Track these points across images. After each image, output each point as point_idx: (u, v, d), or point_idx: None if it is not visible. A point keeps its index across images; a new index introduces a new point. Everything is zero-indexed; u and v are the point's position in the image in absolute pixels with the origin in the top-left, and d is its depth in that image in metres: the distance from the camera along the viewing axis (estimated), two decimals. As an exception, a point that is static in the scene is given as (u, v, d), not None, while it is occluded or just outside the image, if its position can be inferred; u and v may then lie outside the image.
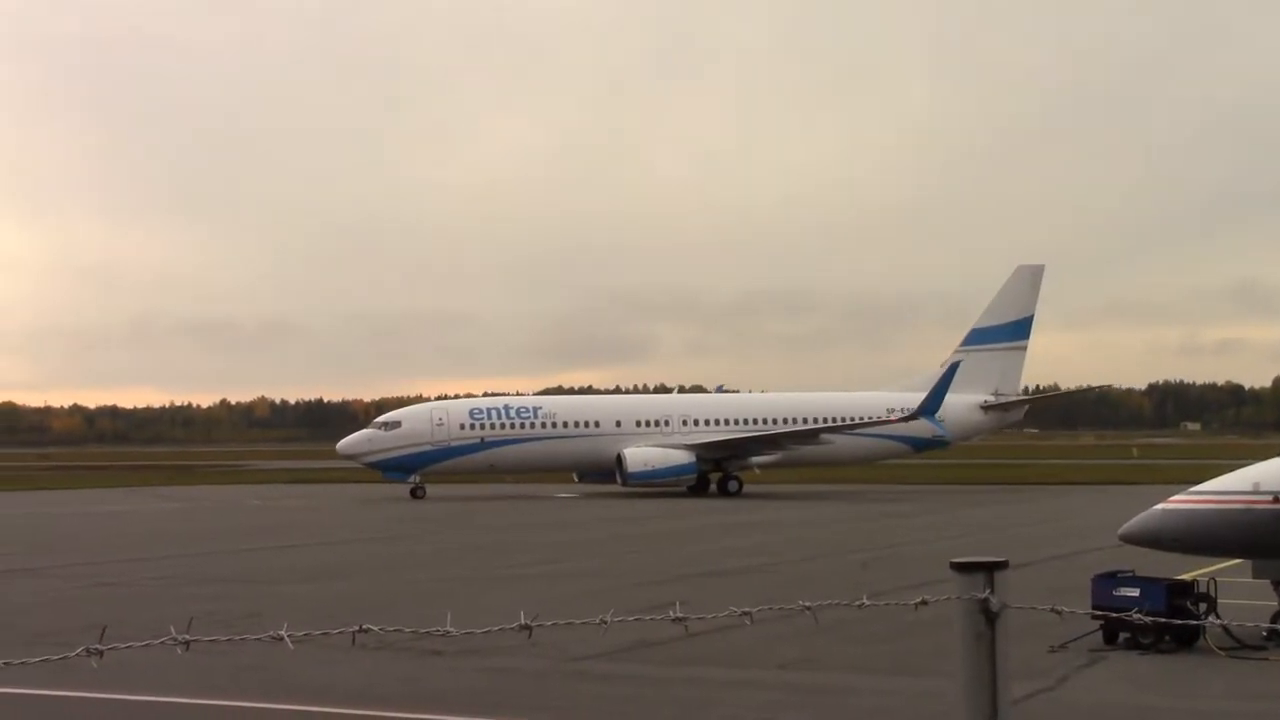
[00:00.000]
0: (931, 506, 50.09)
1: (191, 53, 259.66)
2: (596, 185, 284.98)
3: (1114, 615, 14.68)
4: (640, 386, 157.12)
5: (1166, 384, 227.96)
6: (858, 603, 6.13)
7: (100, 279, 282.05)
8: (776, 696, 15.06)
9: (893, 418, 63.46)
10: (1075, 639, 17.35)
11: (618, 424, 61.93)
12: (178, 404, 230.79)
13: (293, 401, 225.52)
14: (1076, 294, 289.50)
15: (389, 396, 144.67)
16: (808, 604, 5.55)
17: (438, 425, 59.54)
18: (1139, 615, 15.26)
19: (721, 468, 61.56)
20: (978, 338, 69.02)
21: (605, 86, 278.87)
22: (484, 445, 59.96)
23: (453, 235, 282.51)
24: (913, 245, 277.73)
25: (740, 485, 61.00)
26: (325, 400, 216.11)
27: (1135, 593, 17.71)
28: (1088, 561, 25.33)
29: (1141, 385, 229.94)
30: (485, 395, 77.23)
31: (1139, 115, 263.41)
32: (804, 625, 16.78)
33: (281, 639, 4.85)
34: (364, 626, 5.02)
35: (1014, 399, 69.41)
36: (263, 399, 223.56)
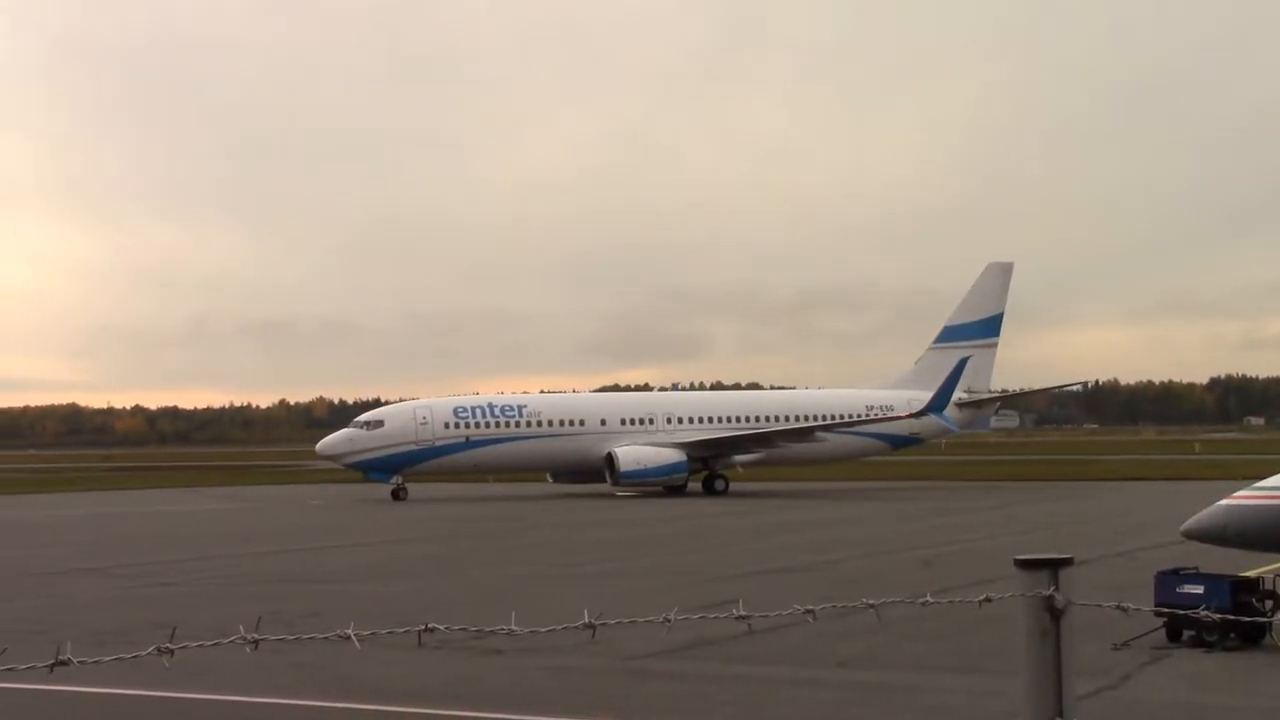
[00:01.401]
0: (989, 503, 49.73)
1: (247, 54, 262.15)
2: (653, 182, 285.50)
3: (1180, 612, 14.54)
4: (696, 384, 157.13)
5: (1229, 378, 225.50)
6: (921, 600, 6.11)
7: (161, 281, 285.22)
8: (838, 694, 15.02)
9: (902, 414, 63.76)
10: (1138, 636, 17.18)
11: (603, 422, 61.06)
12: (237, 404, 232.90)
13: (351, 401, 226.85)
14: (1136, 288, 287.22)
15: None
16: (871, 601, 5.54)
17: (421, 424, 58.28)
18: (1206, 613, 15.11)
19: (708, 466, 60.93)
20: (950, 335, 69.10)
21: (660, 84, 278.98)
22: (469, 445, 58.81)
23: (510, 233, 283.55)
24: (968, 241, 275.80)
25: (726, 484, 60.43)
26: (383, 400, 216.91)
27: (1199, 590, 17.52)
28: (1150, 558, 25.10)
29: (1203, 380, 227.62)
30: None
31: (1198, 108, 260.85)
32: (864, 623, 16.74)
33: (349, 638, 4.90)
34: (429, 626, 5.05)
35: (986, 396, 69.27)
36: (321, 399, 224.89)
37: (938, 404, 62.91)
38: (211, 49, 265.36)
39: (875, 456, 69.37)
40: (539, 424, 60.10)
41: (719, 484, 60.35)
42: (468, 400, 61.30)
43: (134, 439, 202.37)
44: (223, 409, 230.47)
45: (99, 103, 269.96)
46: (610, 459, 58.61)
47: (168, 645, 4.80)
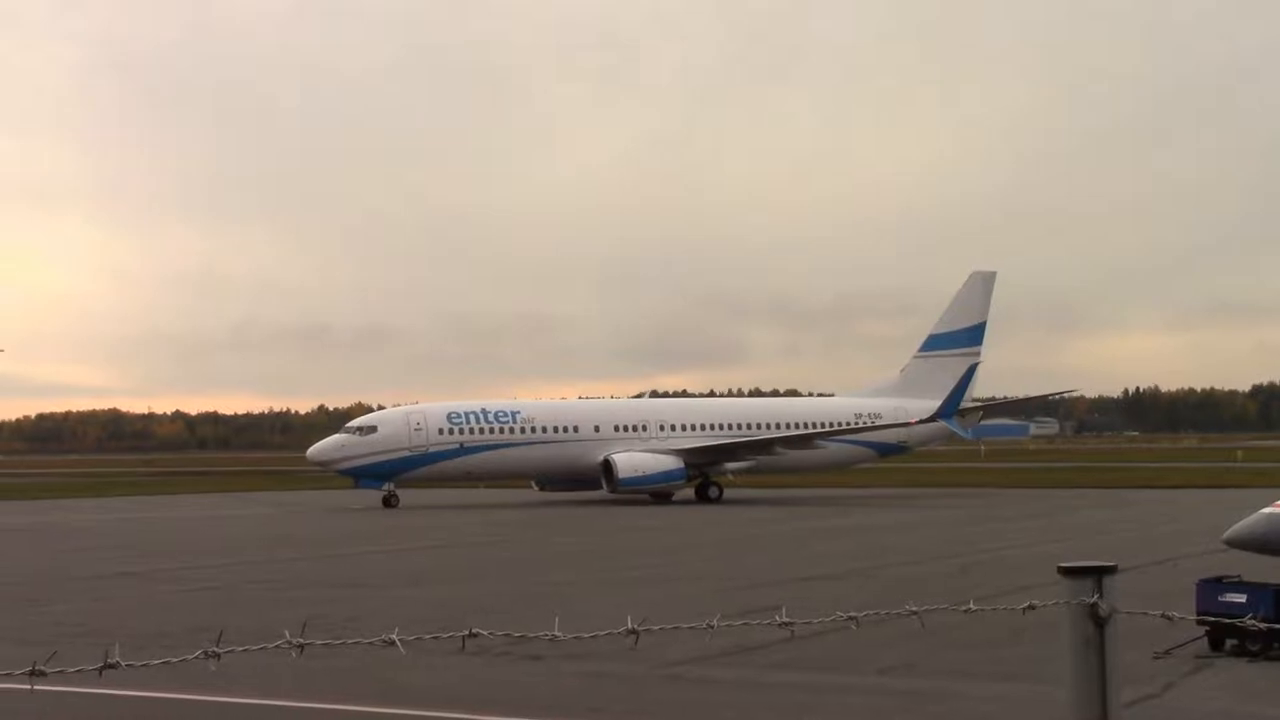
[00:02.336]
0: (1027, 510, 49.49)
1: (290, 61, 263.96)
2: (691, 187, 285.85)
3: (1227, 621, 14.43)
4: (735, 390, 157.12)
5: (1272, 385, 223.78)
6: (964, 607, 6.09)
7: (202, 286, 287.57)
8: (878, 701, 14.98)
9: (911, 421, 64.10)
10: (1180, 645, 17.05)
11: (596, 429, 60.52)
12: (277, 409, 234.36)
13: (389, 406, 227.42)
14: (1178, 295, 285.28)
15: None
16: (914, 608, 5.53)
17: (416, 430, 57.26)
18: (1253, 621, 14.98)
19: (703, 473, 60.60)
20: (935, 344, 69.30)
21: (700, 87, 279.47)
22: (463, 451, 57.87)
23: (550, 239, 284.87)
24: (1010, 245, 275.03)
25: (720, 491, 60.12)
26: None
27: (1242, 598, 17.37)
28: (1192, 566, 24.93)
29: (1245, 387, 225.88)
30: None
31: (1244, 112, 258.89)
32: (904, 629, 16.60)
33: (393, 643, 4.93)
34: (473, 631, 5.07)
35: (969, 406, 68.94)
36: (360, 404, 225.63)
37: (947, 410, 63.32)
38: (256, 55, 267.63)
39: (863, 465, 68.99)
40: (533, 430, 59.47)
41: (713, 491, 59.98)
42: (461, 405, 60.05)
43: (174, 444, 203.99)
44: (262, 414, 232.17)
45: (139, 108, 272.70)
46: (608, 465, 58.16)
47: (214, 649, 4.84)
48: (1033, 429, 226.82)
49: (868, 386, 71.26)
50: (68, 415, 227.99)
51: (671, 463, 58.82)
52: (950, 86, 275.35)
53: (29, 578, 29.93)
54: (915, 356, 69.46)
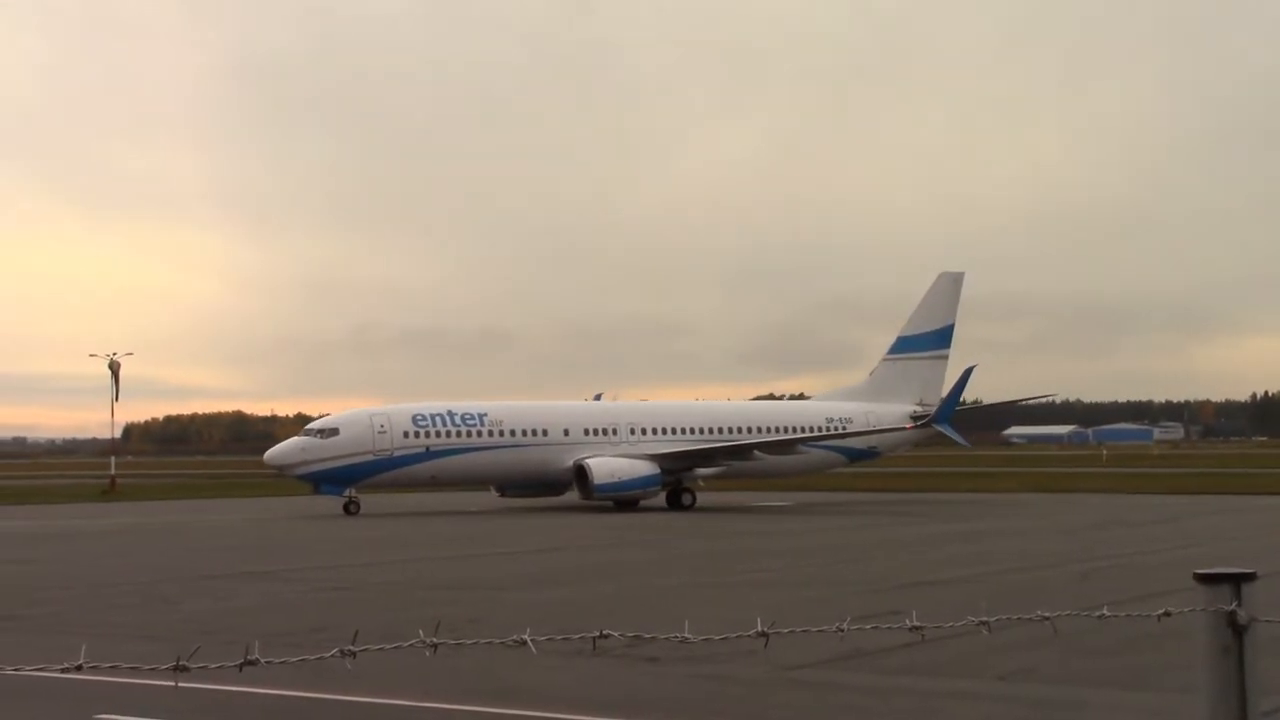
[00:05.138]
0: (1151, 516, 48.53)
1: (415, 66, 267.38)
2: (811, 190, 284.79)
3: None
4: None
5: None
6: (1097, 613, 6.00)
7: (325, 291, 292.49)
8: (999, 708, 14.78)
9: (908, 425, 62.97)
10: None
11: (566, 432, 58.64)
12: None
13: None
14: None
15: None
16: (1046, 614, 5.46)
17: (380, 433, 54.98)
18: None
19: (677, 478, 58.60)
20: (904, 346, 67.59)
21: (822, 91, 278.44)
22: (429, 454, 55.79)
23: (671, 243, 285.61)
24: (1131, 248, 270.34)
25: (694, 498, 58.31)
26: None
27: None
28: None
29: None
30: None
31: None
32: (1024, 636, 16.44)
33: (524, 643, 4.98)
34: (604, 632, 5.10)
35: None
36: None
37: (942, 415, 62.14)
38: (380, 62, 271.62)
39: (833, 470, 67.55)
40: (500, 433, 57.57)
41: (686, 498, 58.20)
42: (427, 407, 57.83)
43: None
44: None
45: (267, 116, 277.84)
46: (582, 471, 56.25)
47: (350, 648, 4.92)
48: (1156, 434, 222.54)
49: (838, 389, 69.65)
50: (194, 418, 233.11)
51: (647, 468, 56.81)
52: (1067, 85, 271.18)
53: (161, 576, 30.65)
54: (884, 359, 67.74)
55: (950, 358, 67.55)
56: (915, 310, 68.02)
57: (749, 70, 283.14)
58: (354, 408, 58.72)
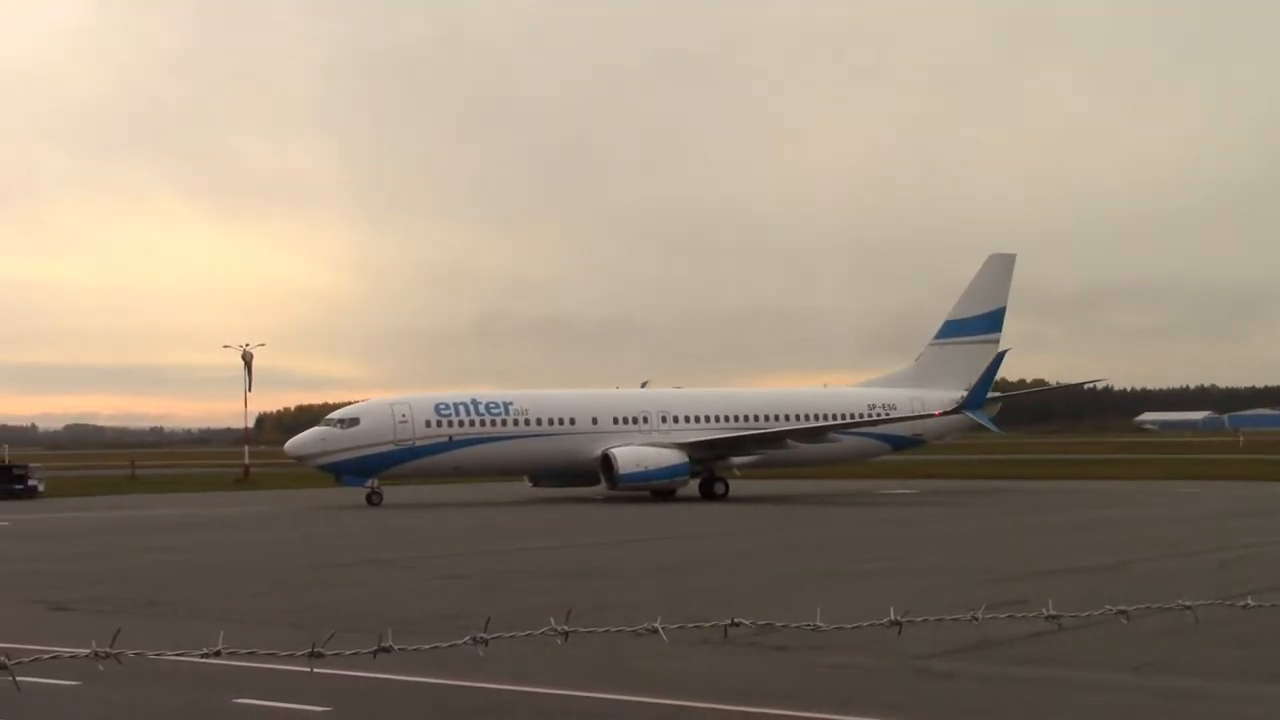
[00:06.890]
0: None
1: (541, 59, 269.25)
2: (941, 175, 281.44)
3: None
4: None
5: None
6: (1240, 603, 5.88)
7: (448, 281, 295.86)
8: (1132, 699, 14.51)
9: (936, 412, 60.47)
10: None
11: (594, 421, 56.97)
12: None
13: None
14: None
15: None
16: (1187, 603, 5.35)
17: (401, 422, 53.89)
18: None
19: (708, 468, 57.00)
20: (952, 330, 65.05)
21: (944, 75, 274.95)
22: (451, 444, 54.62)
23: (794, 230, 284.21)
24: (1269, 234, 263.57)
25: (727, 488, 56.72)
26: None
27: None
28: None
29: None
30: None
31: None
32: (1155, 626, 16.14)
33: (656, 631, 5.00)
34: (735, 620, 5.10)
35: (990, 396, 64.00)
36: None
37: (973, 401, 60.13)
38: (499, 53, 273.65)
39: (877, 458, 65.77)
40: (526, 422, 56.10)
41: (719, 487, 56.72)
42: (450, 396, 56.79)
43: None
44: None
45: (395, 108, 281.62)
46: (608, 460, 54.97)
47: (482, 635, 4.98)
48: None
49: (882, 375, 67.21)
50: (324, 407, 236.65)
51: (675, 457, 55.42)
52: (1199, 67, 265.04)
53: (290, 564, 31.25)
54: (931, 344, 65.47)
55: (1000, 341, 64.98)
56: (964, 293, 65.88)
57: (868, 56, 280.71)
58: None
